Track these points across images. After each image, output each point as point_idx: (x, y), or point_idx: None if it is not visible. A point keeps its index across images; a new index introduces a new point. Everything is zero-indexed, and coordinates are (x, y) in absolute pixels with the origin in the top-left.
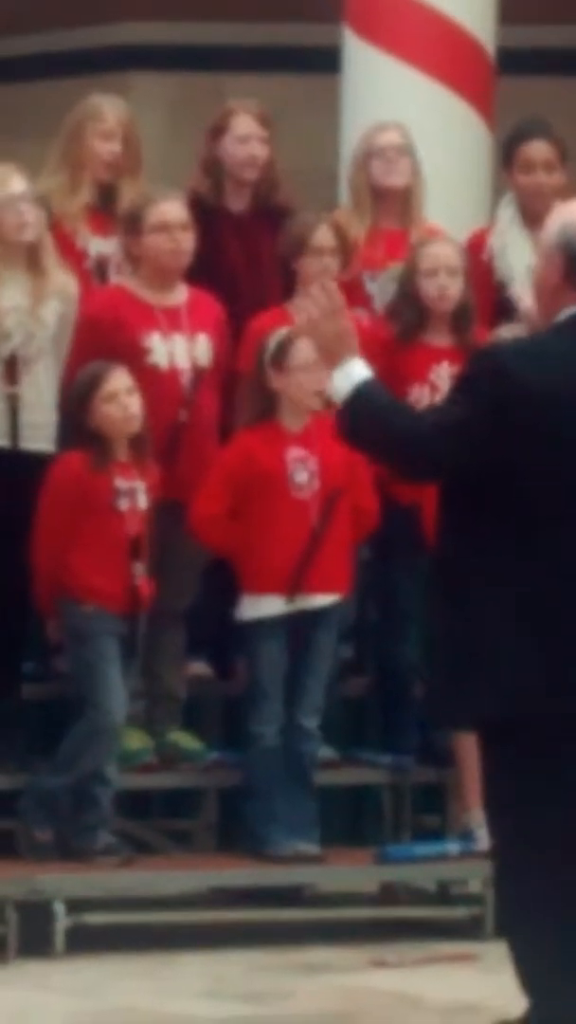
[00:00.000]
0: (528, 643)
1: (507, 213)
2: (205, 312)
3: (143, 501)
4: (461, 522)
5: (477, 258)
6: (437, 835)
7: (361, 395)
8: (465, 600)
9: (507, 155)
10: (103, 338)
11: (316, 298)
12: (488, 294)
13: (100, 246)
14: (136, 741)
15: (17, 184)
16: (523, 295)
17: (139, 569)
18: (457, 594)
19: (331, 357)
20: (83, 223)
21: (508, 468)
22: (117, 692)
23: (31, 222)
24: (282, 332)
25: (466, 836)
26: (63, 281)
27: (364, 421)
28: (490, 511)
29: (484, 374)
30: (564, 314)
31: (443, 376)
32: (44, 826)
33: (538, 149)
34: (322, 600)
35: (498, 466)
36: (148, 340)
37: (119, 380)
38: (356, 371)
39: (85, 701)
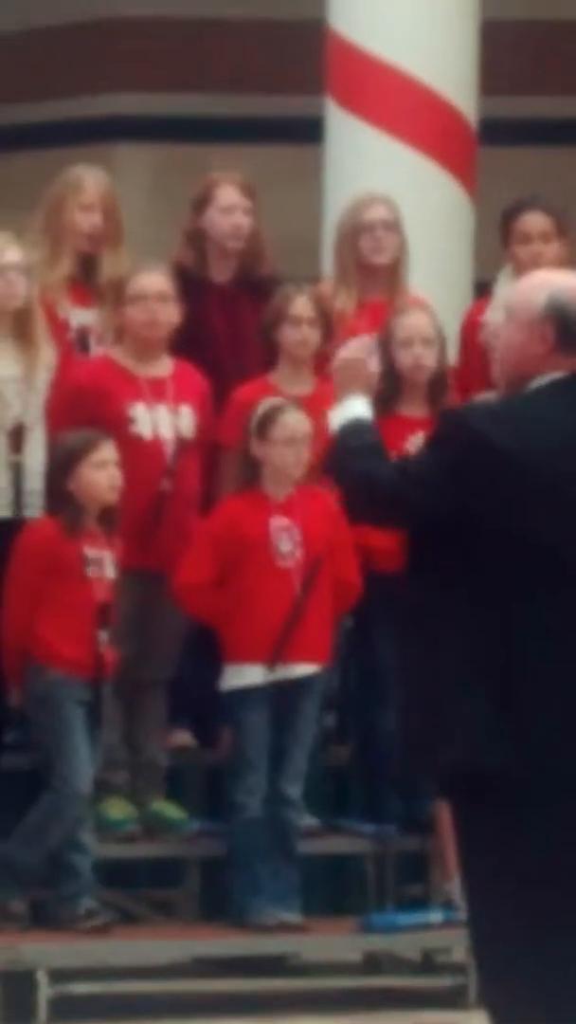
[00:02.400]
0: (488, 705)
1: (505, 289)
2: (190, 384)
3: (110, 571)
4: (427, 580)
5: (472, 332)
6: (420, 904)
7: (347, 431)
8: (431, 657)
9: (504, 229)
10: (87, 407)
11: (354, 345)
12: (484, 368)
13: (81, 317)
14: (119, 811)
15: (11, 254)
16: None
17: (104, 636)
18: (423, 651)
19: (341, 388)
20: (64, 294)
21: (470, 528)
22: (82, 761)
23: (19, 293)
24: (268, 402)
25: (449, 905)
26: (48, 351)
27: (341, 456)
28: (453, 571)
29: (450, 431)
30: (544, 379)
31: (419, 446)
32: (17, 897)
33: (535, 220)
34: (303, 670)
35: (460, 525)
36: (132, 410)
37: (109, 450)
38: (354, 408)
39: (50, 770)
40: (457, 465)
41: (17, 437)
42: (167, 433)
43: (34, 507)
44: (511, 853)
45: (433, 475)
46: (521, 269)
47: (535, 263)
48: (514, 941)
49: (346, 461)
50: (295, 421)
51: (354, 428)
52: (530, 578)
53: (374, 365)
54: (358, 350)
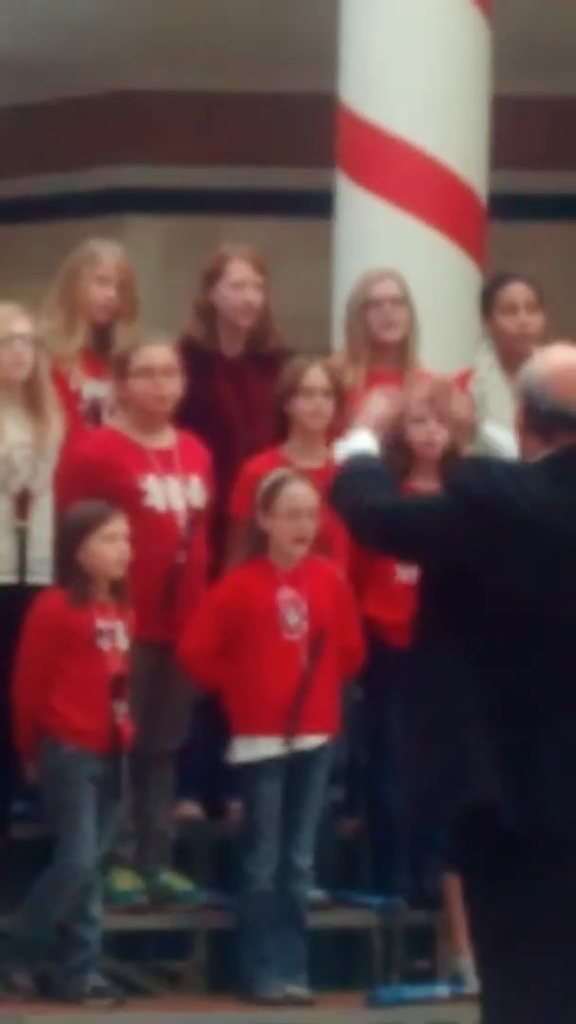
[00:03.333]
0: (500, 764)
1: (486, 360)
2: (195, 455)
3: (123, 641)
4: (433, 633)
5: None
6: (428, 978)
7: (357, 459)
8: (443, 712)
9: (487, 300)
10: (95, 479)
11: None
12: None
13: (94, 389)
14: (126, 882)
15: (19, 325)
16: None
17: (121, 708)
18: (427, 700)
19: (356, 423)
20: (78, 366)
21: (472, 578)
22: (87, 836)
23: (27, 362)
24: (274, 475)
25: (456, 979)
26: (58, 420)
27: (351, 480)
28: (463, 627)
29: (467, 476)
30: (538, 455)
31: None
32: (22, 970)
33: (520, 291)
34: (313, 741)
35: (469, 576)
36: (144, 482)
37: (120, 524)
38: (362, 441)
39: (56, 843)
40: (466, 500)
41: (23, 503)
42: (179, 505)
43: (40, 574)
44: (521, 917)
45: (441, 506)
46: (506, 340)
47: (521, 333)
48: (525, 1008)
49: (357, 486)
50: (297, 493)
51: (363, 457)
52: (535, 636)
53: (382, 414)
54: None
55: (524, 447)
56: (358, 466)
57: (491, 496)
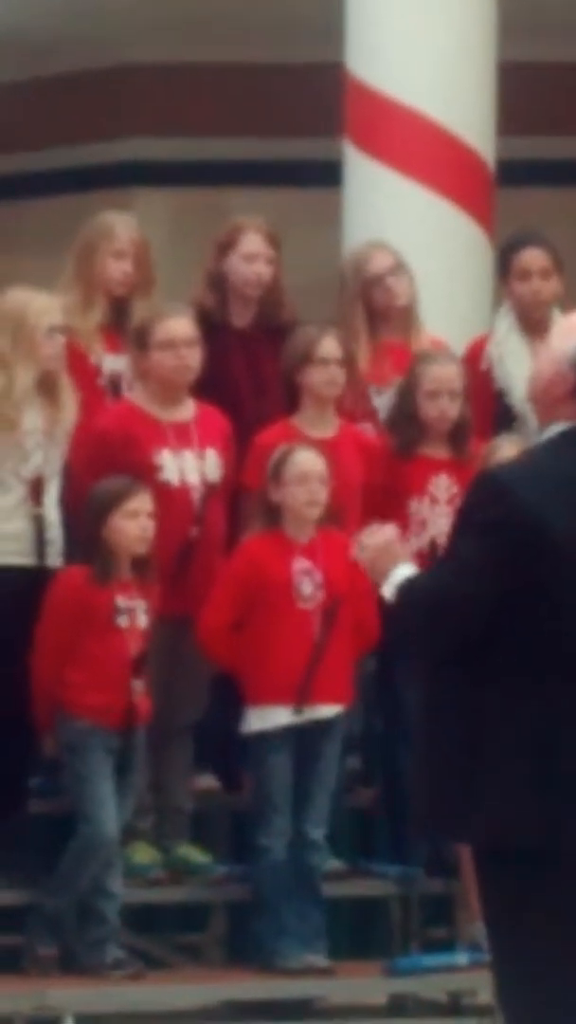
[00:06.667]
0: (525, 776)
1: (505, 322)
2: (213, 427)
3: (143, 620)
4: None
5: (475, 367)
6: (446, 946)
7: (400, 591)
8: (464, 726)
9: (503, 264)
10: (113, 454)
11: (371, 534)
12: (487, 403)
13: (113, 363)
14: (144, 855)
15: (58, 316)
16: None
17: (138, 686)
18: (456, 720)
19: (379, 574)
20: (97, 341)
21: (515, 594)
22: (108, 806)
23: (62, 354)
24: (280, 449)
25: (475, 947)
26: (71, 409)
27: (404, 613)
28: (498, 641)
29: (488, 499)
30: (558, 428)
31: (441, 488)
32: (48, 942)
33: (535, 257)
34: (326, 711)
35: (509, 593)
36: (158, 456)
37: (144, 501)
38: (403, 572)
39: (78, 815)
40: (498, 529)
41: (37, 489)
42: (194, 479)
43: (53, 556)
44: (536, 908)
45: (481, 556)
46: (520, 305)
47: (534, 300)
48: (537, 989)
49: (408, 614)
50: (305, 460)
51: (404, 586)
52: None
53: (403, 550)
54: (385, 538)
55: (550, 414)
56: (404, 594)
57: (511, 510)
